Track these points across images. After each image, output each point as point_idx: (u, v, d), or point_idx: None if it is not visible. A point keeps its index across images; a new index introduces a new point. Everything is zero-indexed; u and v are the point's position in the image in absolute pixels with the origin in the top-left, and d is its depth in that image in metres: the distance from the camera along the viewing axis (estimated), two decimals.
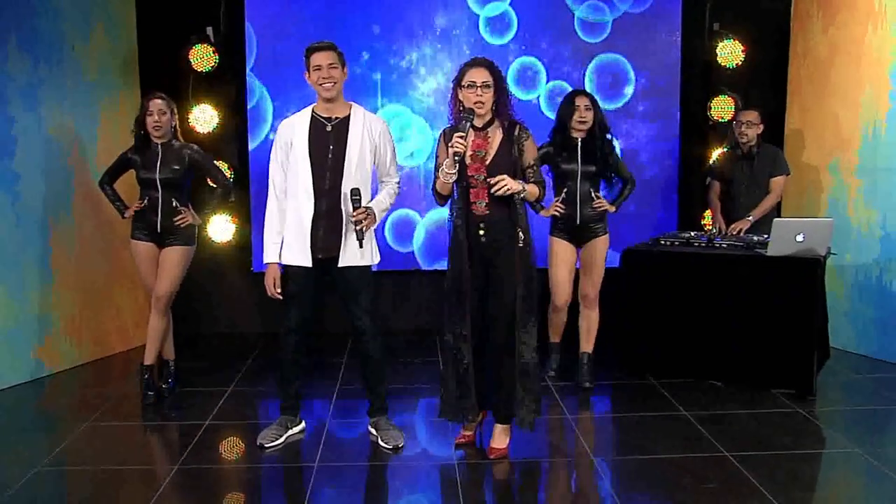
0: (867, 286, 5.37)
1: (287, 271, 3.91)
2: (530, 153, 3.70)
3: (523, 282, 3.68)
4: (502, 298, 3.68)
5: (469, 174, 3.65)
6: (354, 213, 3.71)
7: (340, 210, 3.79)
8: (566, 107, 4.68)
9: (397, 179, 4.05)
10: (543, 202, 4.50)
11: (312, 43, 3.82)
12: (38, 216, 5.03)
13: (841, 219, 5.33)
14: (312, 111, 3.87)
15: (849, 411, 4.51)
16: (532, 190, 3.68)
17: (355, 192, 3.71)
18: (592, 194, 4.68)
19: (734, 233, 5.22)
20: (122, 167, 4.68)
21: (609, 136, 4.71)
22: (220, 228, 5.85)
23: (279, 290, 3.89)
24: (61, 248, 5.19)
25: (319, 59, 3.75)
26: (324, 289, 3.96)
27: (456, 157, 3.51)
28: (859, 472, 3.66)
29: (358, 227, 3.73)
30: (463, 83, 3.62)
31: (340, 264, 3.82)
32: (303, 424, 4.14)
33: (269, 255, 3.90)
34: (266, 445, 3.91)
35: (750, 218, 5.25)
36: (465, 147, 3.54)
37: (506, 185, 3.52)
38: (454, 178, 3.59)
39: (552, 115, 5.83)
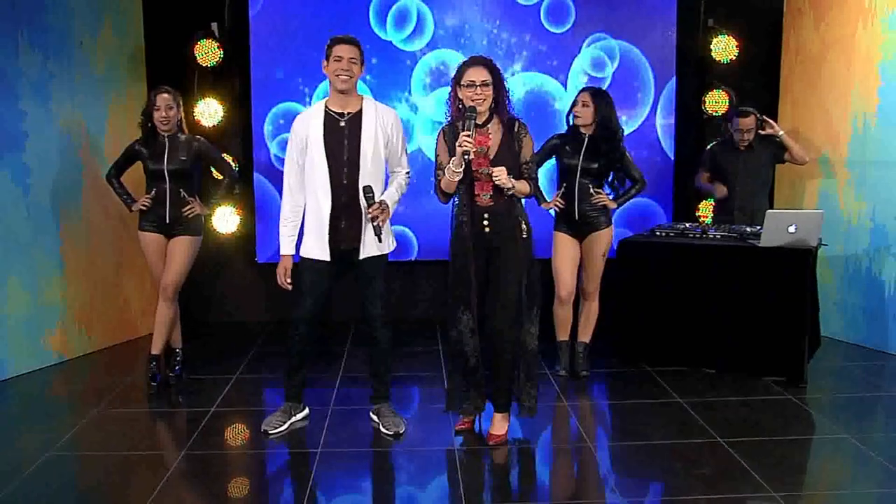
0: (857, 276, 5.45)
1: (303, 263, 3.94)
2: (527, 150, 3.77)
3: (526, 272, 3.75)
4: (506, 289, 3.72)
5: (473, 169, 3.68)
6: (370, 210, 3.76)
7: (358, 202, 3.82)
8: (574, 100, 4.69)
9: (408, 170, 4.07)
10: (541, 196, 4.59)
11: (338, 34, 3.85)
12: (48, 208, 5.10)
13: (831, 210, 5.41)
14: (325, 106, 3.89)
15: (838, 398, 4.59)
16: (521, 187, 3.71)
17: (368, 190, 3.75)
18: (592, 190, 4.66)
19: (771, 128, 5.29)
20: (130, 159, 4.73)
21: (617, 138, 4.65)
22: (225, 220, 5.92)
23: (289, 281, 3.94)
24: (72, 240, 5.26)
25: (342, 50, 3.78)
26: (336, 280, 4.01)
27: (465, 157, 3.54)
28: (848, 457, 3.74)
29: (375, 223, 3.77)
30: (462, 82, 3.65)
31: (361, 256, 3.87)
32: (306, 411, 4.18)
33: (285, 248, 3.94)
34: (270, 432, 3.97)
35: (781, 133, 5.27)
36: (473, 145, 3.57)
37: (501, 178, 3.59)
38: (460, 176, 3.63)
39: (551, 28, 5.99)
